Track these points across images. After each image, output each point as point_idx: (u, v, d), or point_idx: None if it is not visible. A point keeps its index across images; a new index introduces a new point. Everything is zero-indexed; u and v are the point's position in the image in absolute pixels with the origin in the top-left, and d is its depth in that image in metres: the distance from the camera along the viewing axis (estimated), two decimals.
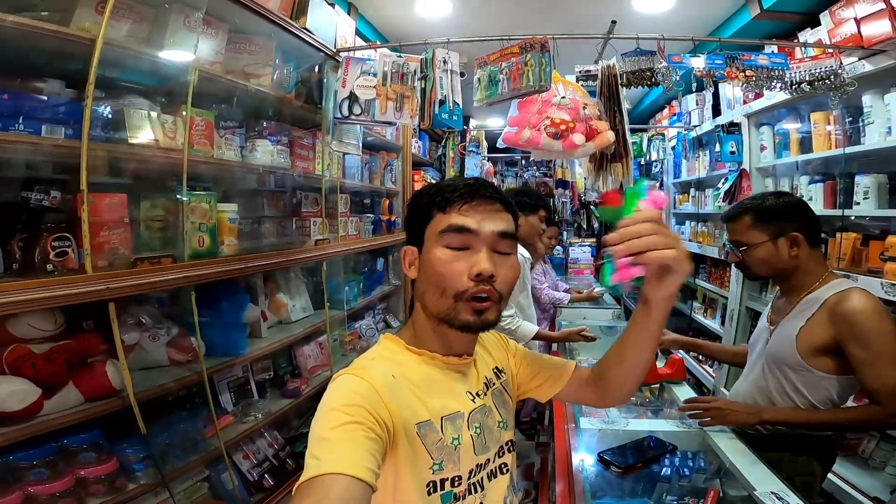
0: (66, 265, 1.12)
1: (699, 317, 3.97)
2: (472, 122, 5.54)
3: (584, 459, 1.40)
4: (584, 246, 5.39)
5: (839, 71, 1.85)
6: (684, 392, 1.76)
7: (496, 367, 0.89)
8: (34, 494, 1.17)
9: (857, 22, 1.91)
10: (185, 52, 1.47)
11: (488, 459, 0.79)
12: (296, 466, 1.97)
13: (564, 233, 6.48)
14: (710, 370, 3.58)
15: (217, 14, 1.63)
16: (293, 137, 2.13)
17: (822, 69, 1.85)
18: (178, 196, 1.41)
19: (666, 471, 1.34)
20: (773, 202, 1.37)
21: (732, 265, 3.16)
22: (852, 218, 2.20)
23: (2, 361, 1.09)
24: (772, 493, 1.12)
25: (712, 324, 3.72)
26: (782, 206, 1.36)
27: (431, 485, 0.71)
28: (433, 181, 2.36)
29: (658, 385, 1.81)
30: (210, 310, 1.61)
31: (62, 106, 1.15)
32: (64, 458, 1.23)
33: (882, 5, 1.80)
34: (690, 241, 4.07)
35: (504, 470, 0.82)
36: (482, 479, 0.77)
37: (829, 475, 1.65)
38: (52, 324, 1.15)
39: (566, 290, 3.47)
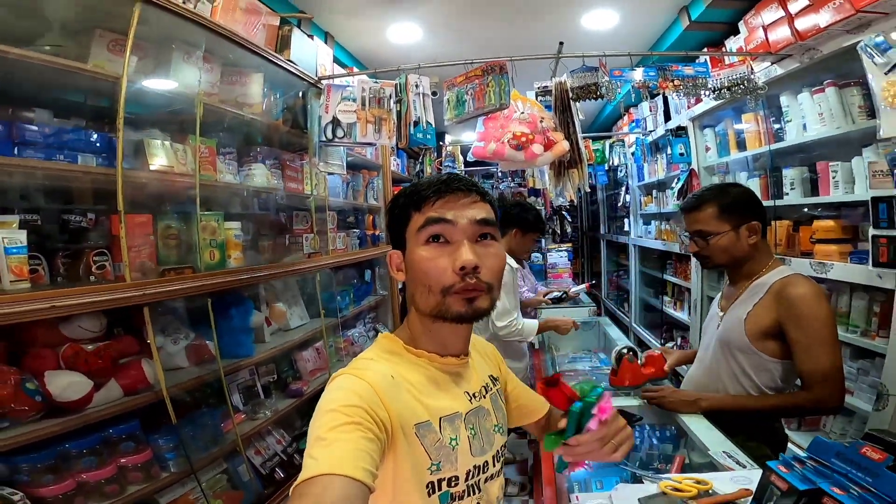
0: (104, 276, 1.32)
1: (669, 309, 4.16)
2: (448, 138, 5.82)
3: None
4: (561, 251, 5.65)
5: (750, 76, 2.14)
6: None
7: (491, 375, 0.90)
8: (85, 481, 1.31)
9: (765, 29, 2.17)
10: (191, 85, 1.68)
11: (486, 462, 0.78)
12: (302, 461, 2.14)
13: (542, 240, 6.77)
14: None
15: (212, 50, 1.83)
16: (283, 160, 2.35)
17: (736, 76, 2.14)
18: (192, 215, 1.61)
19: (636, 441, 1.48)
20: (736, 193, 1.42)
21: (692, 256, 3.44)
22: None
23: (59, 358, 1.27)
24: (723, 452, 1.25)
25: (682, 315, 3.91)
26: (743, 197, 1.41)
27: (430, 485, 0.71)
28: None
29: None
30: (221, 316, 1.80)
31: (93, 138, 1.36)
32: (108, 447, 1.39)
33: (782, 13, 2.05)
34: (656, 238, 4.33)
35: (500, 473, 0.83)
36: (480, 481, 0.77)
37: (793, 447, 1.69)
38: (98, 325, 1.35)
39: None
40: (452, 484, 0.73)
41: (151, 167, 1.50)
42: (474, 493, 0.76)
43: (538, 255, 5.73)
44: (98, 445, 1.36)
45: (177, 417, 1.50)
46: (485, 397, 0.83)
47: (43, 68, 1.24)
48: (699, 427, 1.41)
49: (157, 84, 1.61)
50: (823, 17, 1.83)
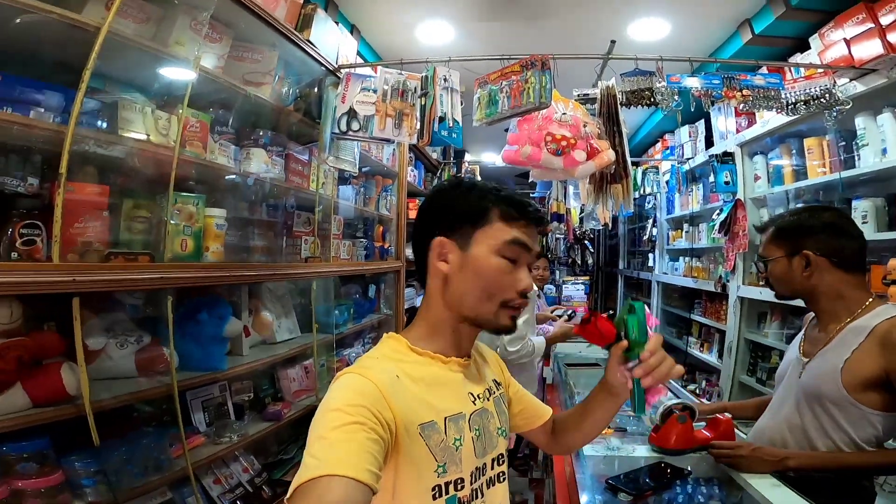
0: (32, 254, 1.03)
1: (695, 351, 3.91)
2: (468, 157, 5.61)
3: (588, 487, 1.30)
4: (578, 283, 5.35)
5: (833, 89, 1.87)
6: None
7: (495, 379, 0.92)
8: None
9: (847, 43, 1.95)
10: (188, 50, 1.44)
11: (485, 464, 0.79)
12: (272, 495, 1.82)
13: (557, 271, 6.46)
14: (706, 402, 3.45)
15: (224, 19, 1.62)
16: (289, 151, 2.09)
17: (817, 88, 1.88)
18: (164, 195, 1.33)
19: (679, 498, 1.23)
20: (797, 218, 1.30)
21: (730, 297, 3.14)
22: None
23: None
24: None
25: (709, 357, 3.67)
26: (801, 222, 1.28)
27: (437, 489, 0.71)
28: None
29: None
30: (188, 320, 1.50)
31: (55, 92, 1.10)
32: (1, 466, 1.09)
33: (871, 24, 1.84)
34: (685, 275, 4.05)
35: (501, 479, 0.83)
36: (482, 485, 0.78)
37: None
38: (7, 316, 1.04)
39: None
40: (459, 487, 0.73)
41: (122, 133, 1.23)
42: (478, 498, 0.77)
43: (551, 286, 5.44)
44: None
45: (110, 436, 1.22)
46: (488, 400, 0.84)
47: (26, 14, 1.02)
48: (764, 486, 1.19)
49: (149, 44, 1.37)
50: None
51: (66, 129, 1.07)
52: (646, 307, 0.78)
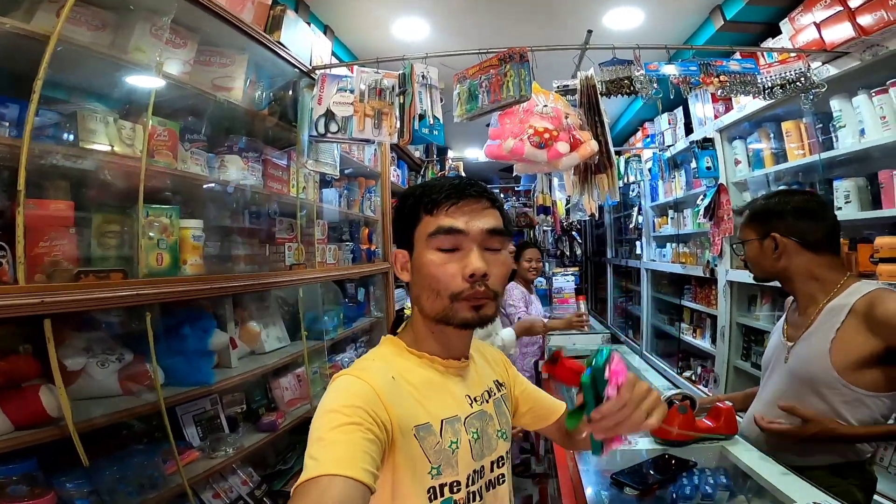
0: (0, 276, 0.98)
1: (688, 337, 3.92)
2: (451, 153, 5.58)
3: (593, 482, 1.29)
4: (568, 275, 5.36)
5: (808, 72, 1.88)
6: None
7: (497, 380, 0.90)
8: None
9: (818, 26, 1.96)
10: (150, 57, 1.39)
11: (483, 467, 0.78)
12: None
13: (546, 263, 6.47)
14: (704, 389, 3.49)
15: (187, 23, 1.57)
16: (266, 157, 2.04)
17: (792, 72, 1.88)
18: (134, 207, 1.28)
19: (686, 490, 1.22)
20: (767, 202, 1.32)
21: (720, 281, 3.17)
22: None
23: None
24: (815, 503, 1.03)
25: (703, 343, 3.67)
26: (770, 206, 1.30)
27: (432, 490, 0.71)
28: None
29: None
30: (171, 335, 1.45)
31: (13, 104, 1.05)
32: None
33: (840, 7, 1.84)
34: (673, 262, 4.07)
35: (501, 481, 0.81)
36: (481, 488, 0.77)
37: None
38: None
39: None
40: (454, 489, 0.73)
41: (83, 145, 1.18)
42: (476, 501, 0.75)
43: (542, 279, 5.44)
44: None
45: (100, 455, 1.19)
46: (487, 402, 0.83)
47: None
48: (772, 473, 1.18)
49: (106, 52, 1.32)
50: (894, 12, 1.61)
51: (21, 142, 1.02)
52: (614, 356, 0.68)
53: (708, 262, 3.33)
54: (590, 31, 1.98)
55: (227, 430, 1.79)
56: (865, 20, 1.80)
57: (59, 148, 1.13)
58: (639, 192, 4.77)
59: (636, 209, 4.96)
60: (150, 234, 1.30)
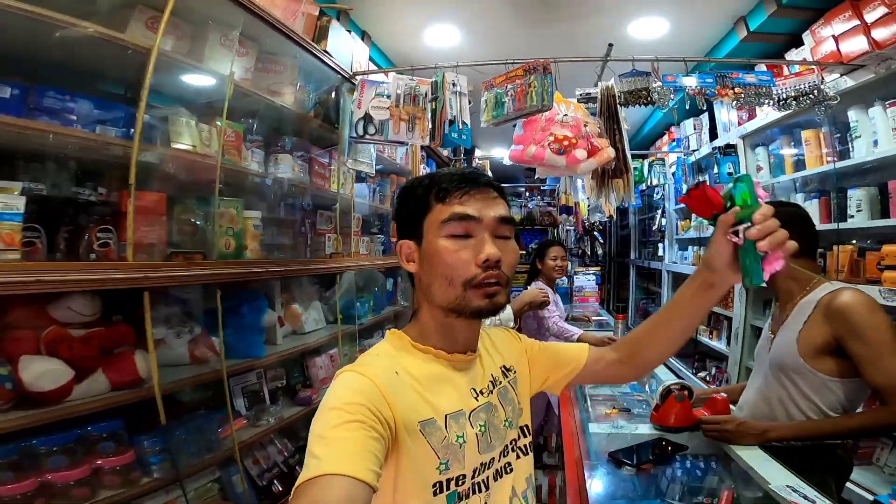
0: (107, 255, 1.21)
1: (704, 338, 3.97)
2: (478, 152, 5.73)
3: (594, 461, 1.41)
4: (589, 274, 5.44)
5: (821, 86, 1.97)
6: None
7: (504, 366, 0.88)
8: (50, 482, 1.18)
9: (836, 39, 2.04)
10: (223, 66, 1.61)
11: (493, 458, 0.77)
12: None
13: (569, 262, 6.56)
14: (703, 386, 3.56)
15: (249, 34, 1.77)
16: (311, 155, 2.25)
17: (805, 85, 1.97)
18: (211, 200, 1.51)
19: (678, 473, 1.35)
20: None
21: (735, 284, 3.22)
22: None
23: (39, 342, 1.14)
24: (787, 486, 1.12)
25: (719, 344, 3.74)
26: None
27: (438, 485, 0.70)
28: None
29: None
30: (231, 312, 1.67)
31: (115, 109, 1.27)
32: (83, 445, 1.25)
33: (857, 22, 1.93)
34: (693, 264, 4.13)
35: (508, 469, 0.81)
36: (487, 478, 0.76)
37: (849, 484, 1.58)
38: (91, 309, 1.22)
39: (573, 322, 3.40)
40: (460, 483, 0.72)
41: (173, 145, 1.41)
42: (480, 492, 0.75)
43: (563, 278, 5.52)
44: (72, 443, 1.23)
45: (169, 418, 1.37)
46: (492, 393, 0.82)
47: (77, 38, 1.18)
48: (754, 458, 1.27)
49: (190, 62, 1.54)
50: None
51: (130, 143, 1.24)
52: (757, 182, 0.70)
53: None
54: (611, 45, 2.10)
55: (269, 402, 1.99)
56: (880, 34, 1.88)
57: (154, 147, 1.35)
58: (663, 194, 4.83)
59: (660, 211, 5.02)
60: (221, 223, 1.52)
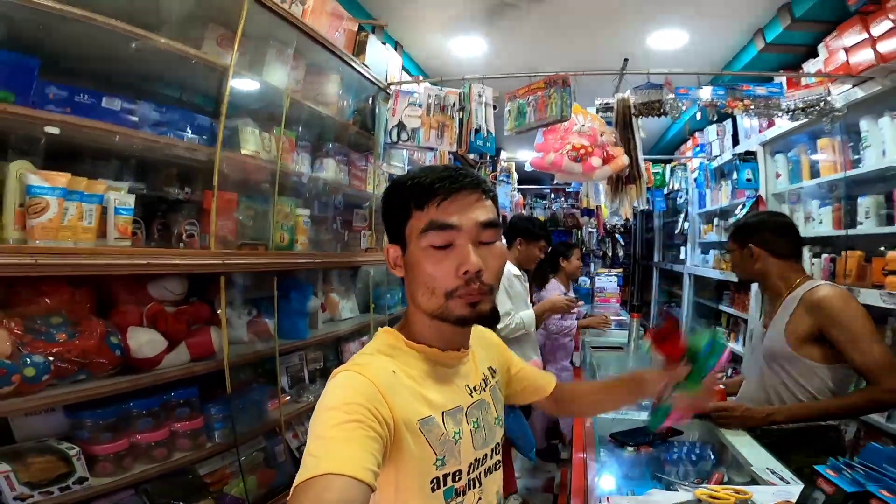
0: (192, 244, 1.47)
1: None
2: (503, 154, 5.89)
3: (599, 442, 1.55)
4: (611, 276, 5.53)
5: (827, 98, 2.07)
6: None
7: (490, 367, 0.89)
8: (138, 442, 1.34)
9: (846, 51, 2.13)
10: (279, 79, 1.84)
11: (486, 455, 0.79)
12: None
13: (591, 264, 6.66)
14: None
15: (299, 50, 1.98)
16: (351, 159, 2.49)
17: (812, 97, 2.08)
18: (269, 198, 1.76)
19: (675, 455, 1.49)
20: (745, 221, 1.68)
21: (752, 287, 3.30)
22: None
23: (142, 316, 1.39)
24: (767, 468, 1.25)
25: (737, 346, 3.77)
26: (745, 224, 1.66)
27: (435, 481, 0.71)
28: None
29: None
30: (282, 297, 1.89)
31: (196, 121, 1.52)
32: (165, 410, 1.43)
33: (865, 35, 2.02)
34: (714, 268, 4.20)
35: (498, 467, 0.83)
36: (480, 475, 0.78)
37: None
38: (181, 288, 1.48)
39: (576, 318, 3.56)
40: (456, 478, 0.73)
41: (243, 151, 1.65)
42: (475, 487, 0.76)
43: (585, 278, 5.64)
44: (157, 408, 1.40)
45: (233, 389, 1.56)
46: (485, 390, 0.83)
47: (166, 53, 1.39)
48: (742, 443, 1.42)
49: (254, 76, 1.77)
50: None
51: (212, 149, 1.49)
52: (727, 348, 0.77)
53: None
54: (626, 60, 2.26)
55: (308, 382, 2.22)
56: (885, 47, 1.96)
57: (230, 153, 1.58)
58: (686, 198, 4.90)
59: (683, 215, 5.09)
60: (278, 219, 1.77)
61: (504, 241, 1.89)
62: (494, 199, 0.78)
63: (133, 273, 1.27)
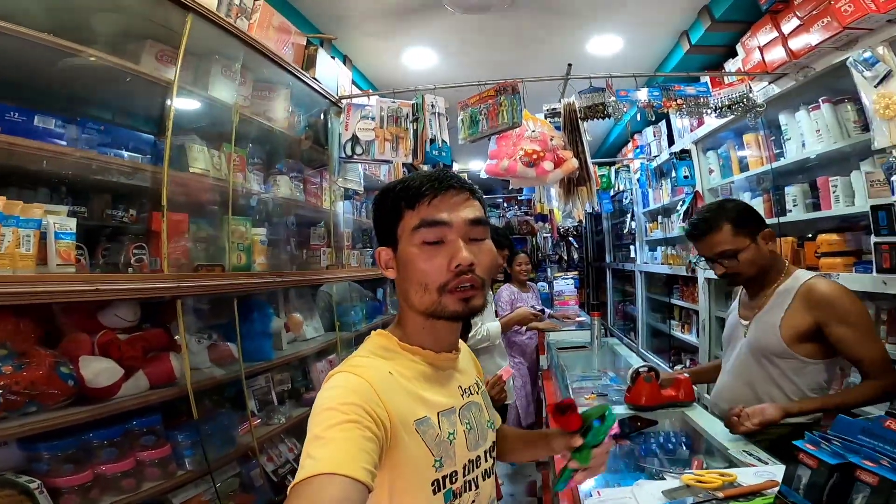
0: (142, 269, 1.39)
1: (677, 333, 4.19)
2: (456, 166, 5.99)
3: None
4: (568, 279, 5.69)
5: (749, 94, 2.25)
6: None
7: (476, 381, 0.92)
8: (103, 473, 1.29)
9: (761, 50, 2.29)
10: (227, 95, 1.80)
11: (479, 457, 0.80)
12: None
13: (548, 269, 6.84)
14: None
15: (247, 65, 1.95)
16: (305, 175, 2.45)
17: (736, 94, 2.25)
18: (223, 218, 1.69)
19: (653, 446, 1.54)
20: (741, 208, 1.52)
21: (699, 279, 3.51)
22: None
23: (94, 344, 1.30)
24: (744, 451, 1.30)
25: (690, 338, 3.95)
26: (748, 209, 1.51)
27: (436, 483, 0.71)
28: None
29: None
30: (243, 319, 1.83)
31: (141, 139, 1.46)
32: (128, 439, 1.38)
33: (776, 34, 2.17)
34: (662, 263, 4.39)
35: (493, 471, 0.85)
36: (476, 477, 0.78)
37: None
38: (133, 315, 1.40)
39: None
40: (453, 480, 0.73)
41: (191, 170, 1.59)
42: (471, 490, 0.77)
43: (544, 283, 5.77)
44: (119, 437, 1.36)
45: (199, 415, 1.50)
46: (477, 393, 0.86)
47: (102, 69, 1.34)
48: (717, 431, 1.47)
49: (200, 92, 1.72)
50: (814, 36, 1.93)
51: (159, 169, 1.43)
52: (616, 420, 0.82)
53: (690, 262, 3.69)
54: (570, 65, 2.37)
55: (277, 404, 2.15)
56: (795, 44, 2.08)
57: (176, 172, 1.52)
58: (632, 199, 5.13)
59: (629, 215, 5.33)
60: (233, 239, 1.71)
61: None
62: (482, 201, 0.82)
63: (82, 300, 1.19)
